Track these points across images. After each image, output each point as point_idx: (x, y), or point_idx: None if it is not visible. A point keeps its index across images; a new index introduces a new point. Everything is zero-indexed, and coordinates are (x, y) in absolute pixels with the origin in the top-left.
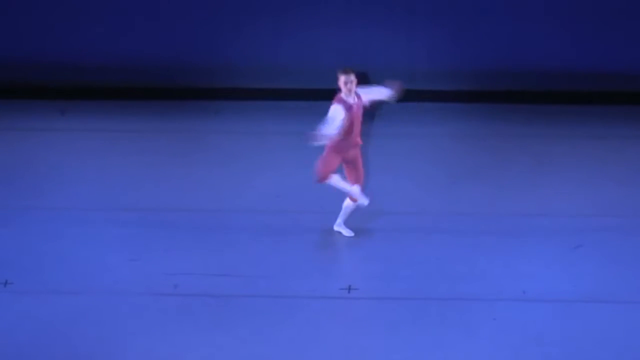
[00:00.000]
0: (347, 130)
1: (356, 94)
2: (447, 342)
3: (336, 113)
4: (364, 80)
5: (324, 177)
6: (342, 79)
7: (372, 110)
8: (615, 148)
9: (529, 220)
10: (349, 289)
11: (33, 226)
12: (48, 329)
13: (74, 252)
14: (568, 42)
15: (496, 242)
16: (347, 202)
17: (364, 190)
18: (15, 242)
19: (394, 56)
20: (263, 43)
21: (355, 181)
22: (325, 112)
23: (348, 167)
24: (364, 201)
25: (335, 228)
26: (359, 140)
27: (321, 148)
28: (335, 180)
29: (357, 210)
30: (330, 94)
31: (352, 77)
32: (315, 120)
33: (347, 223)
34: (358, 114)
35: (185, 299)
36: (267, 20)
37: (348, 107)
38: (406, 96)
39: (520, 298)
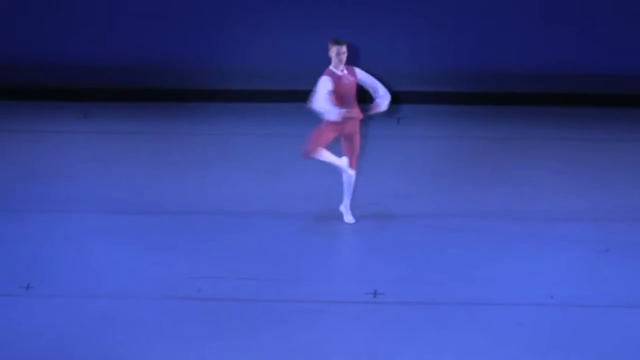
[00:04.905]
0: (337, 102)
1: (349, 68)
2: (472, 347)
3: (322, 84)
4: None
5: (313, 150)
6: (334, 49)
7: (390, 113)
8: None
9: (555, 224)
10: (375, 293)
11: (55, 229)
12: (71, 333)
13: (96, 255)
14: (580, 44)
15: (522, 245)
16: (345, 177)
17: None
18: (37, 245)
19: (398, 57)
20: (287, 45)
21: (350, 154)
22: None
23: (345, 141)
24: (348, 172)
25: (341, 209)
26: (356, 113)
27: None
28: (325, 155)
29: (382, 214)
30: None
31: (344, 49)
32: None
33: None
34: (349, 86)
35: (209, 303)
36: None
37: (337, 78)
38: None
39: (547, 303)
